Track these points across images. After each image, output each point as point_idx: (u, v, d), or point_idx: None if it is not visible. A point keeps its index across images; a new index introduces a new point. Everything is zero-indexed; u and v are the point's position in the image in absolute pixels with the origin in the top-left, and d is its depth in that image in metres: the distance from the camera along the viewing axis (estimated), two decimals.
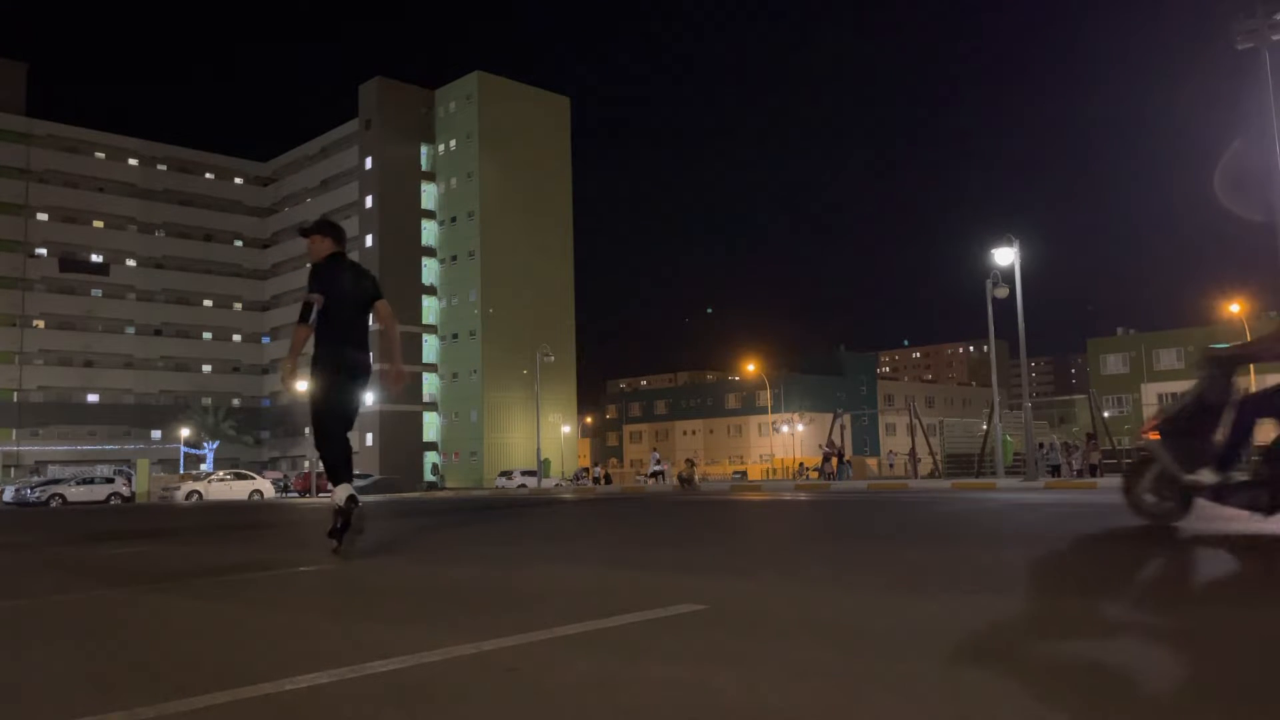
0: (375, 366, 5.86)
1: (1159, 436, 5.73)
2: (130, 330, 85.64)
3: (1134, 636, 2.54)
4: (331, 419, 5.35)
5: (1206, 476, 5.34)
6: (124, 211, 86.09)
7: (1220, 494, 5.31)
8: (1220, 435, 5.35)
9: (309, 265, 5.48)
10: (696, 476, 33.82)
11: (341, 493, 5.18)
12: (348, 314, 5.38)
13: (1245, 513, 5.22)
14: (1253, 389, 5.38)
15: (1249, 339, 5.86)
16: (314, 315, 5.22)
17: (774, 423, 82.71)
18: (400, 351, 5.74)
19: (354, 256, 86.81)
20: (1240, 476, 5.27)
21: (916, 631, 2.64)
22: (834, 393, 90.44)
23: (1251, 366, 5.90)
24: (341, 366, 5.31)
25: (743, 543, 6.32)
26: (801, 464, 56.12)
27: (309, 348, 5.50)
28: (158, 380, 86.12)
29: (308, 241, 5.47)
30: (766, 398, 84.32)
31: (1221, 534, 5.37)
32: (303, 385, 5.71)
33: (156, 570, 5.48)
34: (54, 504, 39.47)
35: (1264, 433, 5.17)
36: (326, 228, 5.50)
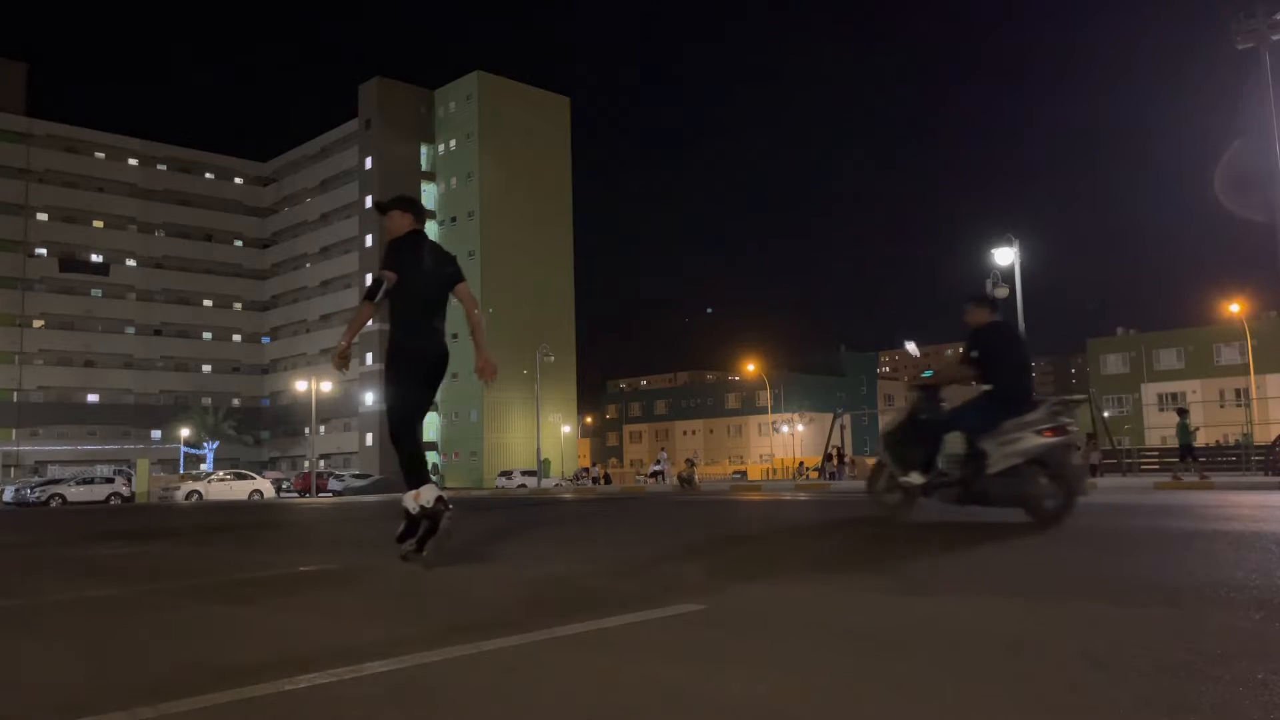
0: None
1: (883, 444, 7.34)
2: (130, 330, 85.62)
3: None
4: (413, 412, 4.80)
5: (916, 478, 6.84)
6: (124, 211, 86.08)
7: (926, 490, 6.88)
8: (925, 445, 6.89)
9: (388, 241, 4.97)
10: (696, 476, 33.82)
11: (429, 493, 4.62)
12: (428, 296, 4.85)
13: (950, 504, 6.85)
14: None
15: (940, 368, 7.31)
16: (381, 293, 4.64)
17: (774, 423, 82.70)
18: (485, 339, 5.07)
19: (353, 256, 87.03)
20: (941, 477, 6.81)
21: (917, 632, 2.64)
22: (834, 393, 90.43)
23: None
24: (424, 354, 4.79)
25: (742, 543, 6.32)
26: (801, 464, 56.10)
27: (351, 339, 4.84)
28: (158, 380, 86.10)
29: (384, 218, 5.04)
30: (766, 398, 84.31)
31: (931, 522, 7.05)
32: (344, 370, 5.11)
33: (156, 570, 5.48)
34: (54, 504, 39.47)
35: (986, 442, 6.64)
36: (405, 203, 5.03)
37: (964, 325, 7.10)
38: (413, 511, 4.66)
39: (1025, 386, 6.89)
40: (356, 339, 4.72)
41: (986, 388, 6.83)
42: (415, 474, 4.70)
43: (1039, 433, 6.42)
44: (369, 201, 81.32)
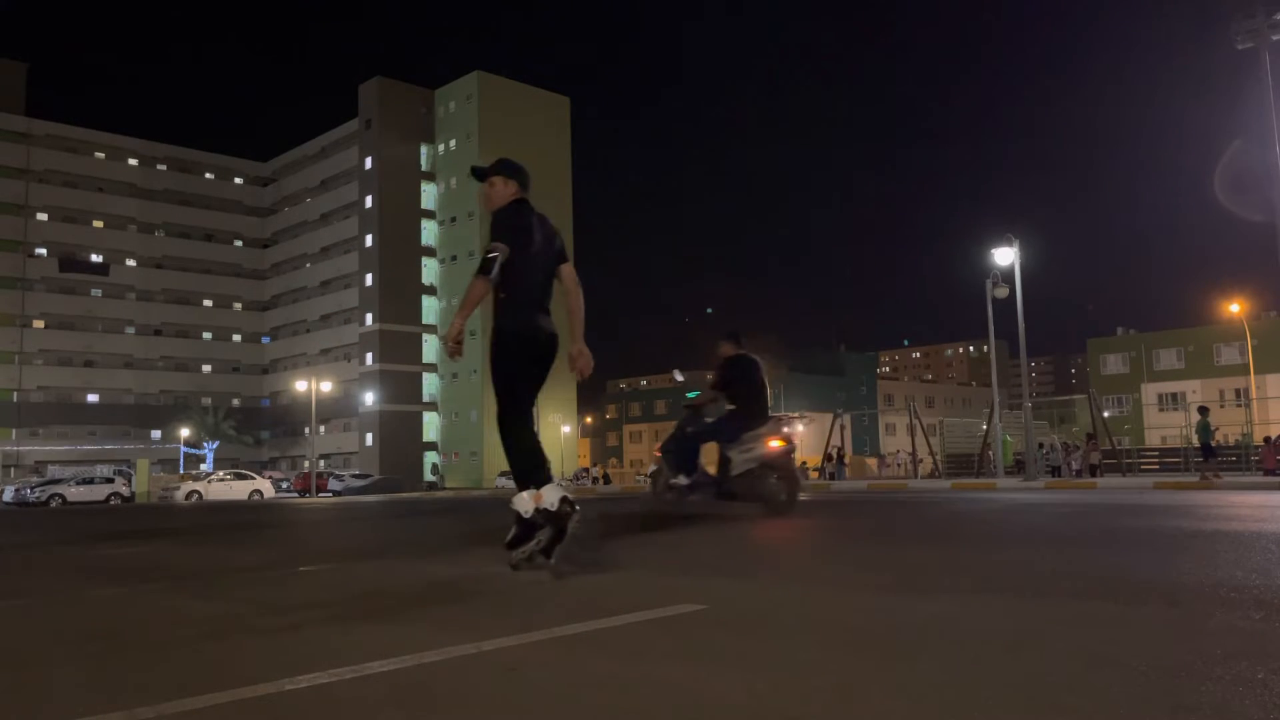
0: None
1: (660, 453, 8.92)
2: (130, 330, 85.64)
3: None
4: (526, 401, 4.32)
5: (682, 479, 8.46)
6: (124, 211, 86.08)
7: (690, 489, 8.44)
8: (689, 454, 8.45)
9: (492, 212, 4.47)
10: None
11: (552, 494, 4.09)
12: (538, 274, 4.37)
13: (709, 500, 8.45)
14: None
15: (711, 384, 8.72)
16: (496, 270, 4.13)
17: None
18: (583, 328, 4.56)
19: (353, 257, 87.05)
20: (700, 479, 8.44)
21: (917, 632, 2.64)
22: (834, 393, 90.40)
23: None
24: (537, 337, 4.29)
25: (742, 543, 6.32)
26: (803, 463, 56.13)
27: (465, 320, 4.25)
28: (158, 380, 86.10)
29: (485, 185, 4.54)
30: None
31: (691, 514, 8.45)
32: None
33: (156, 570, 5.48)
34: (54, 504, 39.47)
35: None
36: (509, 168, 4.54)
37: (715, 358, 8.70)
38: (526, 515, 4.15)
39: (761, 406, 8.52)
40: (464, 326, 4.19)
41: (731, 408, 8.47)
42: (531, 471, 4.20)
43: (765, 441, 8.13)
44: (369, 202, 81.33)
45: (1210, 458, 19.90)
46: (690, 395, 8.82)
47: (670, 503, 8.68)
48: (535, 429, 4.36)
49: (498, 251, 4.15)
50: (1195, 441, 21.08)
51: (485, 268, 4.13)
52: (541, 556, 4.08)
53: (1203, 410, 20.94)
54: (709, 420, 8.65)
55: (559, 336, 4.37)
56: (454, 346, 4.13)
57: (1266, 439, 24.63)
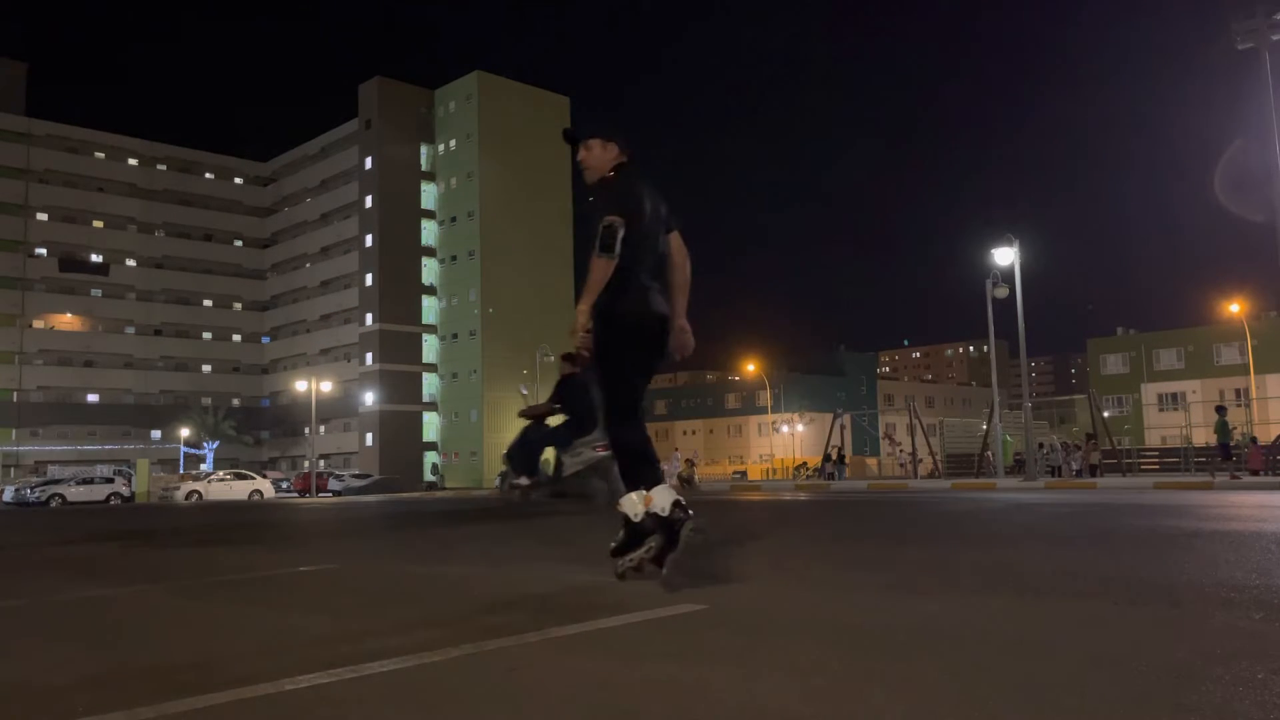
0: None
1: (506, 457, 9.99)
2: (130, 330, 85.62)
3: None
4: (637, 393, 3.91)
5: (524, 480, 9.52)
6: (124, 211, 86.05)
7: (531, 488, 9.51)
8: (530, 458, 9.49)
9: (596, 181, 4.02)
10: (696, 476, 33.81)
11: (664, 497, 3.68)
12: (651, 249, 3.93)
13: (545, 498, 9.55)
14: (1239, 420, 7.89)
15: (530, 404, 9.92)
16: (619, 245, 3.68)
17: (774, 423, 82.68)
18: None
19: (353, 257, 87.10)
20: (539, 479, 9.53)
21: (917, 632, 2.64)
22: (834, 393, 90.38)
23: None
24: (651, 319, 3.86)
25: (742, 543, 6.31)
26: (804, 463, 56.09)
27: (591, 304, 3.79)
28: (158, 380, 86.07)
29: (581, 150, 4.01)
30: (766, 398, 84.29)
31: (537, 511, 9.83)
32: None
33: (157, 570, 5.48)
34: (54, 504, 39.47)
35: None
36: (608, 128, 4.04)
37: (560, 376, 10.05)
38: (636, 519, 3.74)
39: (592, 415, 9.32)
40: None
41: (566, 418, 9.65)
42: (640, 471, 3.80)
43: (594, 449, 9.32)
44: (369, 202, 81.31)
45: (1228, 458, 19.64)
46: (531, 406, 10.23)
47: (515, 501, 9.90)
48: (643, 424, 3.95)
49: (618, 225, 3.68)
50: (1215, 441, 20.78)
51: (607, 245, 3.67)
52: (652, 565, 3.67)
53: (1220, 410, 20.58)
54: (553, 426, 9.88)
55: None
56: (583, 338, 3.65)
57: (1253, 439, 24.62)
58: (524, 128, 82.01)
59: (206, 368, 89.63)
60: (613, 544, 3.87)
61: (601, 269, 3.65)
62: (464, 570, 4.84)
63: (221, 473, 46.22)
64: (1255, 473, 19.16)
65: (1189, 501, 10.12)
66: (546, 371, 64.53)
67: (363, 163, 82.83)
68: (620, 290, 3.73)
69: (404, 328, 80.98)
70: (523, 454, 9.83)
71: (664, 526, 3.65)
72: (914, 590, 3.51)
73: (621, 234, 3.66)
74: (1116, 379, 64.77)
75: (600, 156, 3.98)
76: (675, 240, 4.08)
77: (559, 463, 9.62)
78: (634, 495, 3.76)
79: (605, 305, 3.73)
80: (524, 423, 10.06)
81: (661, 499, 3.68)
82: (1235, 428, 22.06)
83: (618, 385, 3.84)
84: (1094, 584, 3.60)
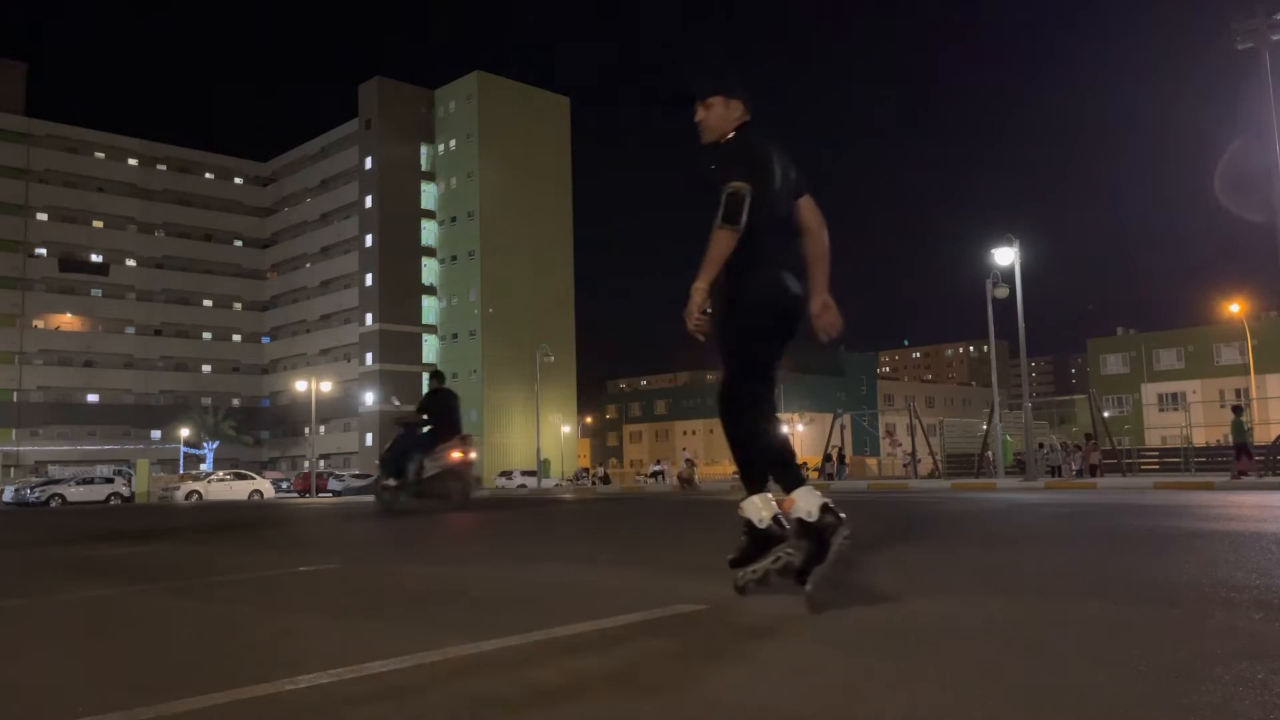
0: None
1: (379, 461, 11.03)
2: (130, 330, 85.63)
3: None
4: (769, 381, 3.46)
5: (392, 482, 10.71)
6: (124, 211, 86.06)
7: (398, 490, 10.62)
8: (398, 462, 10.71)
9: (712, 143, 3.52)
10: (696, 476, 33.81)
11: (809, 500, 3.20)
12: (781, 218, 3.45)
13: (409, 497, 10.79)
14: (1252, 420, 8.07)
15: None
16: (744, 215, 3.22)
17: None
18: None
19: (353, 257, 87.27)
20: (404, 481, 10.76)
21: (917, 632, 2.64)
22: (834, 393, 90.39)
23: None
24: (786, 302, 3.37)
25: None
26: (804, 463, 56.04)
27: (710, 282, 3.30)
28: (158, 380, 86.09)
29: (699, 109, 3.52)
30: None
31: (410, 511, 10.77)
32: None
33: (156, 570, 5.48)
34: (54, 504, 39.46)
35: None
36: (729, 84, 3.53)
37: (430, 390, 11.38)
38: (761, 525, 3.29)
39: (452, 426, 11.00)
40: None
41: (429, 427, 10.72)
42: (776, 470, 3.35)
43: (449, 453, 10.66)
44: (369, 202, 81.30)
45: (1245, 457, 19.38)
46: (407, 419, 11.25)
47: (386, 500, 10.91)
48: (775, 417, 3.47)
49: (744, 192, 3.23)
50: (1230, 440, 20.45)
51: (732, 215, 3.21)
52: (794, 580, 3.14)
53: (1237, 410, 20.23)
54: (418, 435, 10.91)
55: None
56: (699, 320, 3.19)
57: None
58: (524, 128, 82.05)
59: (206, 368, 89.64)
60: (731, 555, 3.38)
61: (724, 242, 3.21)
62: (463, 570, 4.84)
63: (221, 473, 46.21)
64: (1242, 474, 19.07)
65: (1189, 502, 10.12)
66: (547, 371, 64.57)
67: (363, 163, 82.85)
68: (747, 267, 3.29)
69: (404, 328, 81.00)
70: (392, 459, 11.03)
71: (810, 534, 3.14)
72: (914, 590, 3.51)
73: (748, 202, 3.22)
74: (1116, 379, 64.78)
75: (721, 116, 3.51)
76: (808, 205, 3.57)
77: (420, 466, 10.75)
78: (757, 499, 3.34)
79: (730, 285, 3.30)
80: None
81: (807, 502, 3.19)
82: (1251, 427, 21.65)
83: (746, 374, 3.38)
84: (1094, 584, 3.60)
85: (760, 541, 3.31)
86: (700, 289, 3.18)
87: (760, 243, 3.29)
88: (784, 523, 3.26)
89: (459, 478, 10.86)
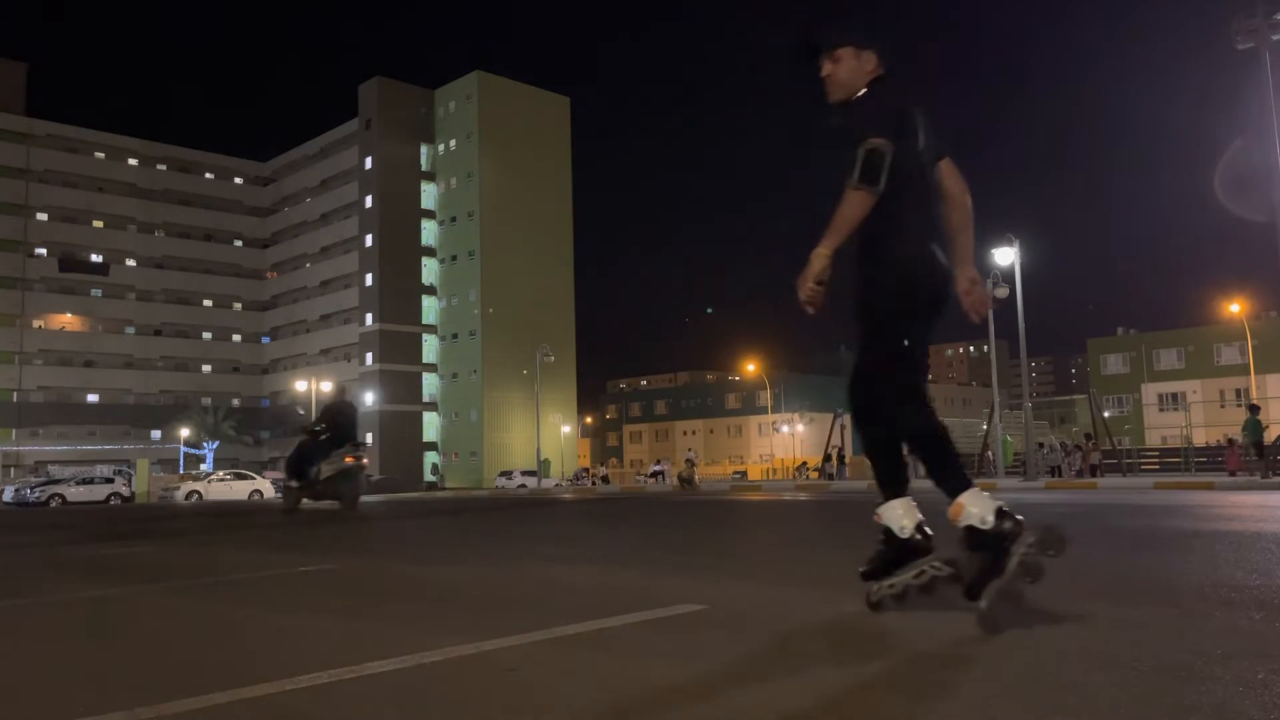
0: None
1: (284, 465, 12.43)
2: (130, 330, 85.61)
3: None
4: (922, 368, 3.07)
5: (295, 483, 11.80)
6: (124, 211, 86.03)
7: (301, 491, 11.74)
8: (301, 465, 11.82)
9: (840, 102, 3.13)
10: (696, 476, 33.82)
11: (979, 503, 2.79)
12: (922, 180, 3.05)
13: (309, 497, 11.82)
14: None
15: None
16: (885, 175, 2.83)
17: (774, 423, 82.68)
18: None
19: (353, 257, 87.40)
20: (305, 482, 11.83)
21: (917, 632, 2.64)
22: (834, 393, 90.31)
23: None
24: (934, 275, 2.99)
25: (743, 543, 6.32)
26: (804, 463, 56.09)
27: (834, 250, 2.88)
28: (157, 380, 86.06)
29: (826, 62, 3.13)
30: (766, 398, 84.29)
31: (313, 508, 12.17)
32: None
33: (156, 570, 5.48)
34: (54, 504, 39.45)
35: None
36: (863, 33, 3.15)
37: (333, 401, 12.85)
38: (901, 534, 2.96)
39: (348, 433, 12.17)
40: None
41: (326, 435, 11.84)
42: (938, 471, 2.91)
43: (344, 458, 11.98)
44: (369, 202, 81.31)
45: (1262, 455, 19.16)
46: (315, 429, 12.25)
47: (291, 500, 11.98)
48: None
49: (885, 149, 2.84)
50: (1246, 440, 20.21)
51: (871, 174, 2.82)
52: (964, 595, 2.72)
53: (1254, 409, 19.94)
54: (319, 441, 11.93)
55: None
56: (814, 290, 2.80)
57: (1230, 441, 24.47)
58: (524, 128, 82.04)
59: (206, 368, 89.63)
60: (863, 566, 3.03)
61: (858, 204, 2.82)
62: (463, 570, 4.84)
63: (221, 473, 46.18)
64: (1233, 474, 18.96)
65: (1189, 501, 10.12)
66: (547, 371, 64.57)
67: (363, 163, 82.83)
68: (891, 238, 2.92)
69: (404, 328, 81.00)
70: (295, 463, 12.09)
71: (986, 544, 2.74)
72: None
73: (889, 161, 2.83)
74: (1117, 379, 64.77)
75: (853, 69, 3.11)
76: (949, 168, 3.17)
77: (319, 469, 11.90)
78: (898, 503, 2.98)
79: (872, 259, 2.94)
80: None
81: (979, 507, 2.78)
82: (1267, 426, 21.29)
83: (893, 361, 2.96)
84: (1094, 584, 3.60)
85: (900, 552, 2.97)
86: (822, 255, 2.79)
87: (904, 210, 2.92)
88: (928, 532, 2.95)
89: (350, 479, 12.14)
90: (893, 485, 3.01)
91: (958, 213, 3.14)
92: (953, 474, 2.86)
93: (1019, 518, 2.75)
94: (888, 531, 2.99)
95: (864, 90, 3.08)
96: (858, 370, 3.01)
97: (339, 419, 12.29)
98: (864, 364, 3.00)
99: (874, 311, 2.96)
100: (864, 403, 3.02)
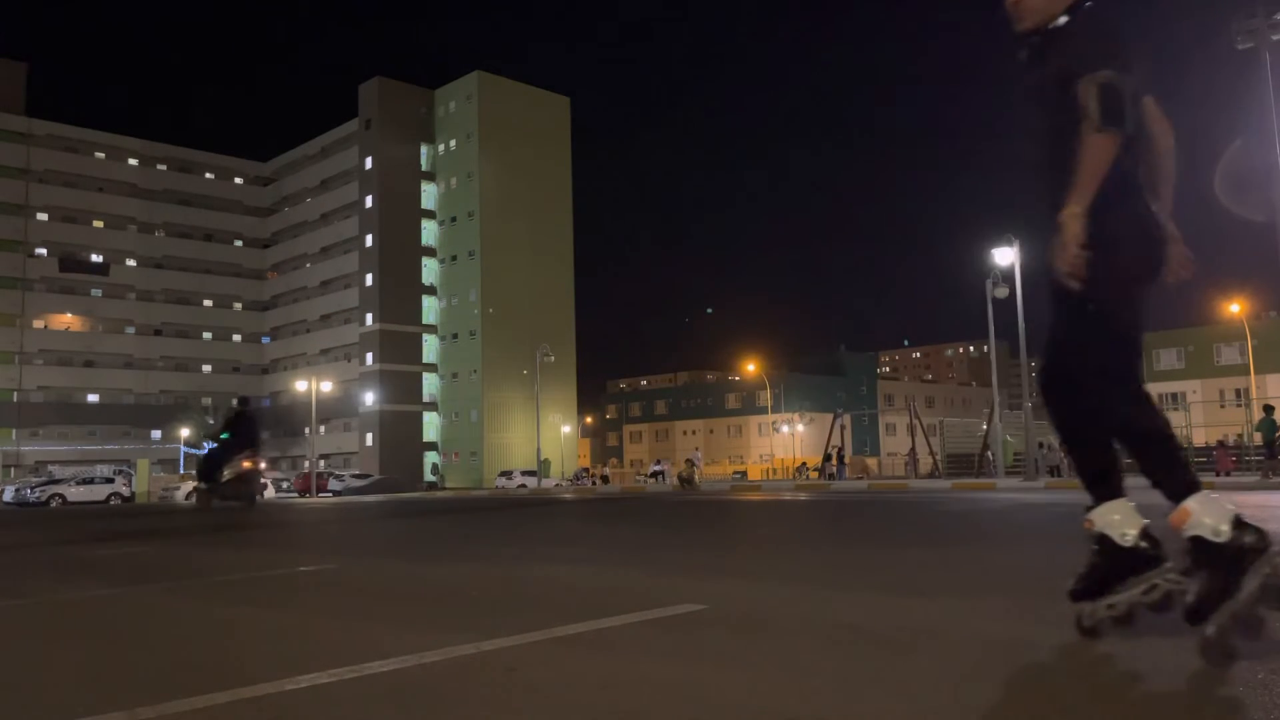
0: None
1: (196, 469, 13.68)
2: (130, 330, 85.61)
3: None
4: (1139, 347, 2.58)
5: (204, 485, 13.01)
6: (124, 211, 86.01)
7: (210, 492, 12.73)
8: (213, 469, 13.13)
9: (1031, 30, 2.70)
10: (697, 476, 33.81)
11: (1210, 510, 2.34)
12: (1140, 128, 2.59)
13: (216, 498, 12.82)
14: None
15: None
16: (1128, 114, 2.42)
17: (774, 423, 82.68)
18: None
19: (353, 257, 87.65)
20: (215, 485, 12.99)
21: (917, 632, 2.64)
22: (834, 393, 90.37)
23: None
24: (1157, 238, 2.56)
25: (742, 543, 6.32)
26: (804, 464, 56.10)
27: (1088, 202, 2.42)
28: (158, 380, 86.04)
29: None
30: (766, 398, 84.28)
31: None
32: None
33: (156, 570, 5.48)
34: (54, 504, 39.44)
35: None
36: None
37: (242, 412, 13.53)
38: (1123, 543, 2.50)
39: (249, 442, 13.04)
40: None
41: (230, 442, 12.88)
42: (1161, 469, 2.43)
43: (242, 462, 13.00)
44: (369, 202, 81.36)
45: (1274, 455, 18.97)
46: (223, 436, 13.14)
47: (203, 501, 12.89)
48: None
49: (1119, 82, 2.40)
50: (1258, 440, 19.98)
51: (1113, 113, 2.37)
52: (1184, 618, 2.29)
53: (1268, 409, 19.60)
54: (226, 446, 12.91)
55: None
56: (1076, 256, 2.36)
57: (1220, 443, 24.35)
58: (524, 128, 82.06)
59: (206, 368, 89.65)
60: (1073, 583, 2.59)
61: (1106, 150, 2.38)
62: (463, 570, 4.83)
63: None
64: (1226, 473, 18.86)
65: None
66: (547, 371, 64.59)
67: (363, 163, 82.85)
68: (1110, 189, 2.42)
69: (404, 328, 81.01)
70: (205, 466, 13.21)
71: (1217, 559, 2.28)
72: (914, 590, 3.51)
73: (1129, 96, 2.40)
74: None
75: None
76: (1153, 109, 2.68)
77: (222, 473, 12.96)
78: (1114, 505, 2.53)
79: (1109, 220, 2.43)
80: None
81: (1211, 514, 2.32)
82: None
83: (1110, 339, 2.50)
84: None
85: (1121, 564, 2.51)
86: (1076, 215, 2.36)
87: (1126, 161, 2.47)
88: (1156, 539, 2.50)
89: (247, 482, 13.36)
90: (1105, 485, 2.56)
91: (1166, 162, 2.70)
92: (1178, 474, 2.40)
93: (1262, 530, 2.31)
94: (1103, 540, 2.53)
95: (1064, 16, 2.61)
96: (1066, 352, 2.57)
97: (241, 427, 13.31)
98: (1075, 345, 2.55)
99: (1097, 282, 2.41)
100: (1073, 390, 2.56)
